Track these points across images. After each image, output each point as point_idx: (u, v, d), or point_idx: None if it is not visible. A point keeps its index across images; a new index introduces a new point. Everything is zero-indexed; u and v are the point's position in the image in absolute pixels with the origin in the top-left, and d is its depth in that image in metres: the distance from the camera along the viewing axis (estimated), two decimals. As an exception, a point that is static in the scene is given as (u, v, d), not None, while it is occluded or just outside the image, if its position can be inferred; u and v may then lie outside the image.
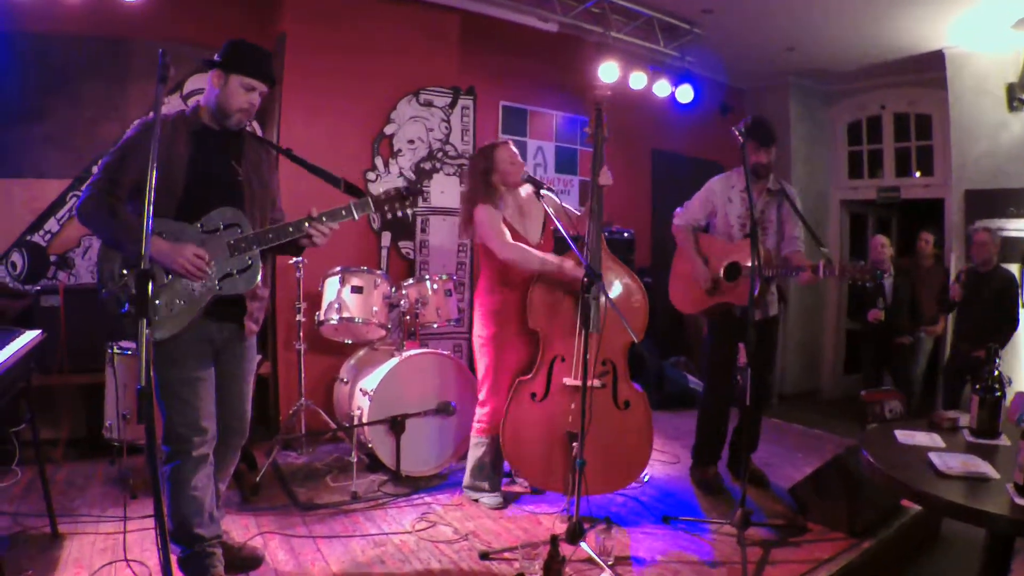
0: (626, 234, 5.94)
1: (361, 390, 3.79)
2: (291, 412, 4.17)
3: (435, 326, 4.14)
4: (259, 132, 2.54)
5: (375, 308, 3.93)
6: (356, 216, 2.47)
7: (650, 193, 6.86)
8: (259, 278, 2.40)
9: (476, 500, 3.47)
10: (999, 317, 4.67)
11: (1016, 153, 5.32)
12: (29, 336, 2.66)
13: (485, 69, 5.49)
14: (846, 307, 7.17)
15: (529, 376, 3.25)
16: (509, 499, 3.50)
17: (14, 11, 3.99)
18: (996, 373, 2.38)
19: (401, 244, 4.99)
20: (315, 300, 4.15)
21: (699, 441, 3.91)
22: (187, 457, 2.33)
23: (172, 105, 4.35)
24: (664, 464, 4.23)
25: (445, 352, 4.00)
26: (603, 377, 3.16)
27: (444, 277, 4.18)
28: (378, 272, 4.08)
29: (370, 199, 2.49)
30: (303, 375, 4.20)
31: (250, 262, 2.37)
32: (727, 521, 3.21)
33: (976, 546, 2.17)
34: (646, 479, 3.87)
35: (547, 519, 3.31)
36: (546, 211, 3.26)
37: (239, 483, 3.45)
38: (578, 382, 3.08)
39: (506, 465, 3.44)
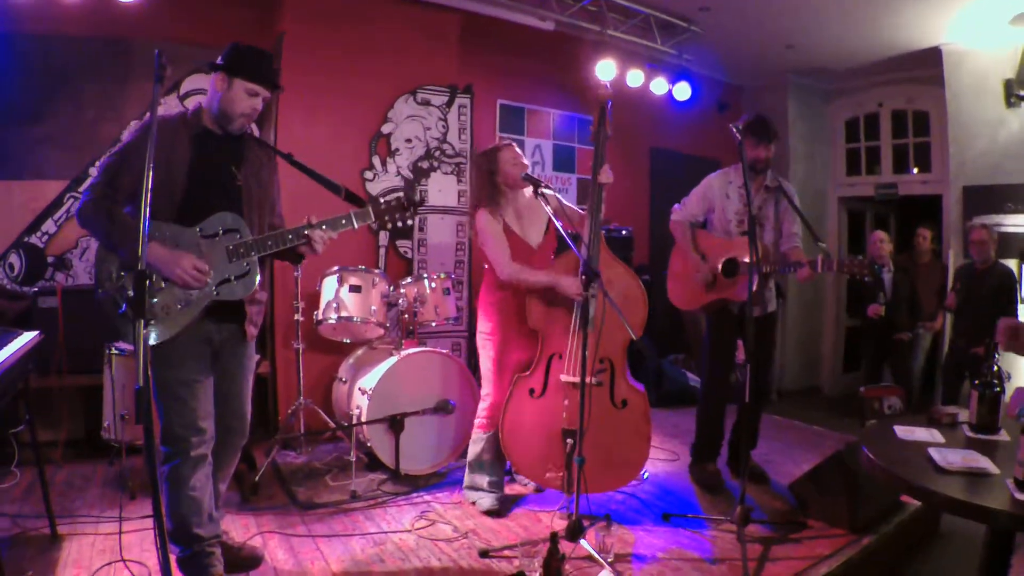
0: (624, 232, 5.94)
1: (360, 389, 3.78)
2: (290, 412, 4.17)
3: (433, 325, 4.14)
4: (256, 131, 2.52)
5: (373, 307, 3.93)
6: (356, 225, 2.48)
7: (648, 191, 6.86)
8: (257, 284, 2.39)
9: (473, 503, 3.44)
10: (998, 313, 4.65)
11: (1014, 149, 5.32)
12: (27, 337, 2.65)
13: (482, 68, 5.49)
14: (845, 304, 7.18)
15: (528, 372, 3.25)
16: (507, 502, 3.47)
17: (13, 12, 3.98)
18: (995, 368, 2.38)
19: (399, 243, 4.98)
20: (313, 299, 4.14)
21: (698, 438, 3.92)
22: (185, 457, 2.33)
23: (169, 106, 4.35)
24: (664, 462, 4.23)
25: (444, 351, 3.99)
26: (600, 375, 3.16)
27: (442, 276, 4.18)
28: (376, 271, 4.08)
29: (371, 209, 2.49)
30: (302, 374, 4.20)
31: (248, 268, 2.37)
32: (727, 518, 3.21)
33: (976, 542, 2.17)
34: (645, 476, 3.87)
35: (547, 517, 3.31)
36: (545, 209, 3.26)
37: (238, 483, 3.45)
38: (574, 378, 3.08)
39: (506, 464, 3.44)
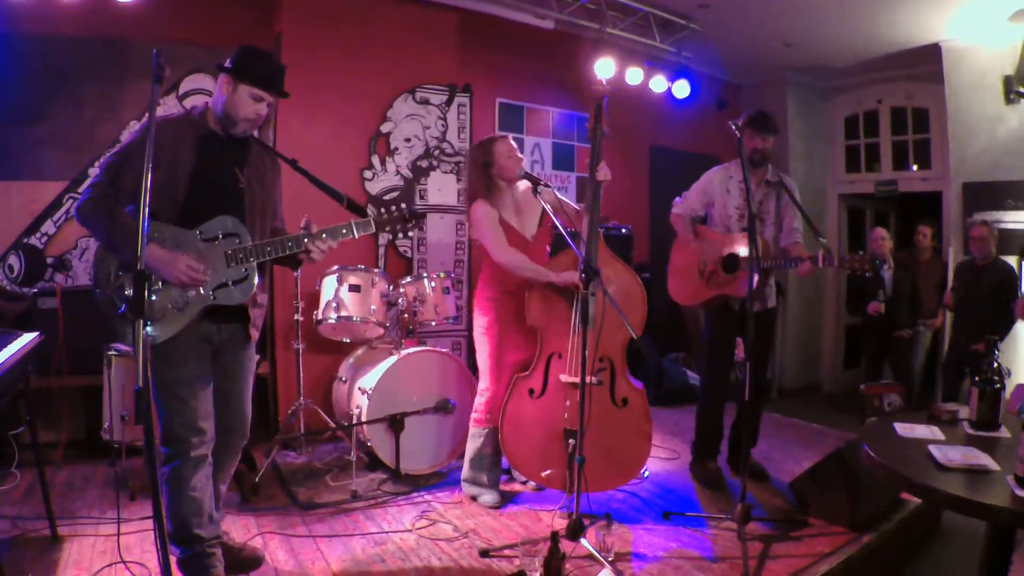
0: (624, 230, 5.93)
1: (360, 389, 3.78)
2: (290, 412, 4.16)
3: (433, 324, 4.13)
4: (256, 132, 2.52)
5: (373, 307, 3.93)
6: (356, 235, 2.47)
7: (648, 189, 6.85)
8: (254, 289, 2.39)
9: (474, 498, 3.46)
10: (998, 310, 4.67)
11: (1013, 146, 5.32)
12: (27, 338, 2.65)
13: (482, 66, 5.48)
14: (845, 301, 7.17)
15: (527, 372, 3.25)
16: (507, 497, 3.50)
17: (11, 12, 3.97)
18: (995, 365, 2.38)
19: (399, 242, 4.98)
20: (313, 299, 4.14)
21: (698, 435, 3.92)
22: (186, 458, 2.32)
23: (168, 106, 4.35)
24: (664, 460, 4.23)
25: (444, 350, 3.99)
26: (600, 374, 3.16)
27: (442, 275, 4.18)
28: (376, 270, 4.07)
29: (372, 220, 2.49)
30: (302, 374, 4.20)
31: (246, 273, 2.36)
32: (727, 516, 3.21)
33: (977, 539, 2.17)
34: (646, 475, 3.87)
35: (547, 516, 3.31)
36: (543, 207, 3.26)
37: (239, 483, 3.45)
38: (574, 378, 3.08)
39: (505, 462, 3.44)
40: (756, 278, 3.10)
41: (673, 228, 3.91)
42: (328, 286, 3.98)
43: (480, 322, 3.39)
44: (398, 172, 4.94)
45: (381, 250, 4.92)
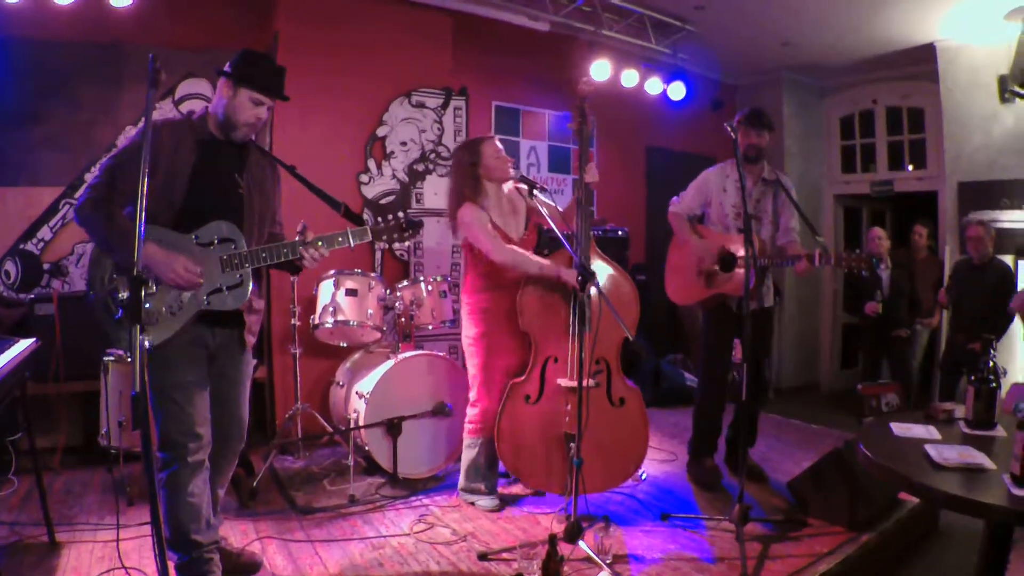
0: (620, 232, 5.94)
1: (357, 393, 3.78)
2: (287, 416, 4.16)
3: (430, 328, 4.13)
4: (254, 135, 2.52)
5: (370, 311, 3.93)
6: (352, 244, 2.46)
7: (645, 190, 6.85)
8: (248, 296, 2.38)
9: (472, 504, 3.45)
10: (995, 309, 4.67)
11: (1009, 145, 5.33)
12: (24, 344, 2.65)
13: (477, 69, 5.49)
14: (842, 301, 7.18)
15: (522, 378, 3.23)
16: (506, 501, 3.49)
17: (6, 17, 3.97)
18: (992, 364, 2.39)
19: (395, 246, 4.97)
20: (310, 304, 4.14)
21: (696, 434, 3.91)
22: (183, 463, 2.32)
23: (164, 110, 4.34)
24: (661, 462, 4.23)
25: (440, 353, 3.99)
26: (597, 376, 3.16)
27: (439, 279, 4.18)
28: (372, 274, 4.08)
29: (369, 229, 2.48)
30: (299, 379, 4.20)
31: (240, 279, 2.35)
32: (725, 517, 3.21)
33: (974, 538, 2.17)
34: (643, 477, 3.87)
35: (545, 519, 3.30)
36: (529, 206, 3.25)
37: (236, 488, 3.44)
38: (572, 383, 3.07)
39: (502, 466, 3.44)
40: (753, 276, 3.10)
41: (671, 225, 3.91)
42: (325, 290, 3.98)
43: (469, 332, 3.36)
44: (394, 176, 4.94)
45: (378, 254, 4.91)
